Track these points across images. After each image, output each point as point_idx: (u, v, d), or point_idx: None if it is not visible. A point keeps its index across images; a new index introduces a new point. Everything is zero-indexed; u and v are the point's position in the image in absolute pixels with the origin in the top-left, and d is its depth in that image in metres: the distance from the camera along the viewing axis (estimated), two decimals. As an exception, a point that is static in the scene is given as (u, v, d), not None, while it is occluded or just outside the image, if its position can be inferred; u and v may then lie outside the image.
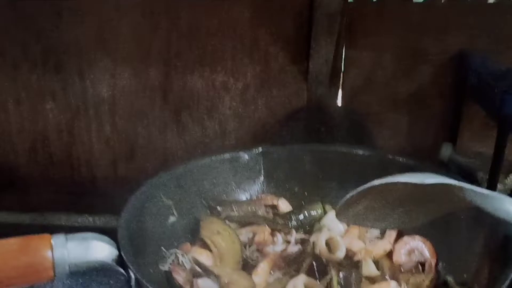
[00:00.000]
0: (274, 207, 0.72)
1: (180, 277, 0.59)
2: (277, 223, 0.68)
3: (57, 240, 0.47)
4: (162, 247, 0.62)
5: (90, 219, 1.02)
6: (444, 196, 0.51)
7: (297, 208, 0.71)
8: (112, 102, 1.03)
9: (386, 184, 0.51)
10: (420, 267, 0.62)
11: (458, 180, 0.50)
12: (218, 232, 0.65)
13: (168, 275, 0.59)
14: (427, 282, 0.58)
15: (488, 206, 0.48)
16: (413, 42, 0.91)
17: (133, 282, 0.49)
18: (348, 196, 0.53)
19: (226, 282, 0.56)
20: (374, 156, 0.70)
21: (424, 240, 0.64)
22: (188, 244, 0.64)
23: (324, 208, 0.70)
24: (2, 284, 0.45)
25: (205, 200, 0.69)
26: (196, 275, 0.60)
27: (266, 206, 0.72)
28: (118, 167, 1.07)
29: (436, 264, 0.62)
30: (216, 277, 0.57)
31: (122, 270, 0.49)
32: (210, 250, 0.63)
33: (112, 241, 0.50)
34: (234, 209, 0.69)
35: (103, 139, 1.05)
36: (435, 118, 0.97)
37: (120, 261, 0.50)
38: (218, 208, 0.69)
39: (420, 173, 0.51)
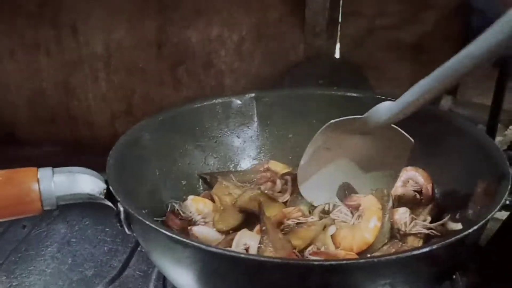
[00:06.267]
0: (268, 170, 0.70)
1: (175, 225, 0.59)
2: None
3: (44, 172, 0.47)
4: (161, 195, 0.62)
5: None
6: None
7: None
8: (107, 57, 1.02)
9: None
10: (419, 196, 0.63)
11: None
12: (229, 194, 0.64)
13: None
14: (425, 213, 0.58)
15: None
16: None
17: (122, 216, 0.49)
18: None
19: (216, 219, 0.56)
20: (370, 98, 0.69)
21: (415, 169, 0.64)
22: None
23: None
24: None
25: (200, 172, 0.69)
26: (192, 223, 0.60)
27: (264, 171, 0.69)
28: (116, 123, 1.07)
29: (433, 190, 0.63)
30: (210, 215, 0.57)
31: (110, 203, 0.49)
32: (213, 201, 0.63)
33: (99, 175, 0.50)
34: (233, 178, 0.67)
35: (99, 95, 1.05)
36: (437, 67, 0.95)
37: (108, 195, 0.50)
38: (219, 178, 0.66)
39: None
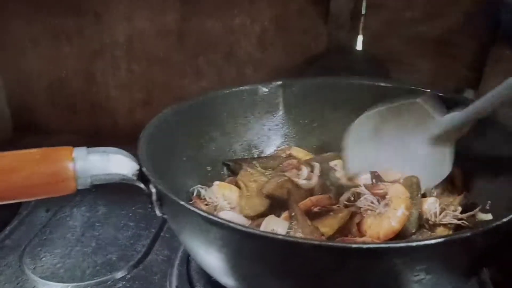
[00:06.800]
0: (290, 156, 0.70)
1: None
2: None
3: (79, 152, 0.47)
4: (186, 180, 0.62)
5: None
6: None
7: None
8: (128, 46, 1.02)
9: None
10: (448, 187, 0.62)
11: None
12: (254, 181, 0.64)
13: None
14: (456, 203, 0.58)
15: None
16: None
17: (154, 197, 0.49)
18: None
19: (243, 205, 0.56)
20: (396, 88, 0.68)
21: None
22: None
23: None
24: (27, 191, 0.45)
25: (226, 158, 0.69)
26: (218, 209, 0.60)
27: (286, 157, 0.69)
28: (136, 112, 1.07)
29: (462, 180, 0.62)
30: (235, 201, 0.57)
31: (142, 185, 0.49)
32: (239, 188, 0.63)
33: (133, 157, 0.50)
34: (256, 165, 0.67)
35: (120, 84, 1.05)
36: (461, 62, 0.94)
37: (141, 176, 0.50)
38: (243, 165, 0.66)
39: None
